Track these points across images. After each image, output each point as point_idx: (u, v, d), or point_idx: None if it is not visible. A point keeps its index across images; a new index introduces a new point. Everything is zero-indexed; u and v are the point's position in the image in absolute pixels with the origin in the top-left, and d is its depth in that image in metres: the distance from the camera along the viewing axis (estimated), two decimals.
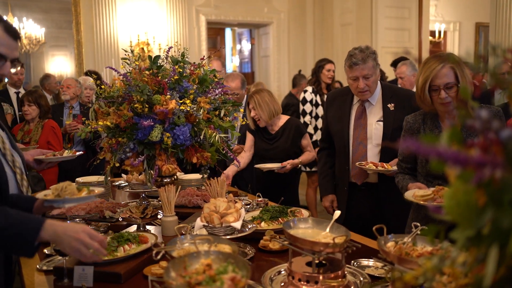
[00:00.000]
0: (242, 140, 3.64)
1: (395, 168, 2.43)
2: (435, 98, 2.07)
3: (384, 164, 2.52)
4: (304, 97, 5.04)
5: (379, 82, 2.69)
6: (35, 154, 2.02)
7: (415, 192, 1.96)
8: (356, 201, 2.74)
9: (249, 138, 3.46)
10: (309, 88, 5.07)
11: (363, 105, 2.66)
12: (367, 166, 2.50)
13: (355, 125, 2.66)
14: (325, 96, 5.03)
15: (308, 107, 4.99)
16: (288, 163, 3.12)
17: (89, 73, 5.49)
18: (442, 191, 1.87)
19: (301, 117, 5.04)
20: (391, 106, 2.60)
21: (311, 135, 4.94)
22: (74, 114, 4.60)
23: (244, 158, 3.41)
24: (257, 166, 3.18)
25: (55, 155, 2.12)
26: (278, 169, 3.12)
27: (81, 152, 2.50)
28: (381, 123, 2.60)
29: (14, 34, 1.47)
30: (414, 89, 4.79)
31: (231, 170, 3.22)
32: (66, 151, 2.23)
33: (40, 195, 1.68)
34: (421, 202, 1.86)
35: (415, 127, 2.24)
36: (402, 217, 2.38)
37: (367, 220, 2.37)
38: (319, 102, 5.02)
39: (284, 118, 3.31)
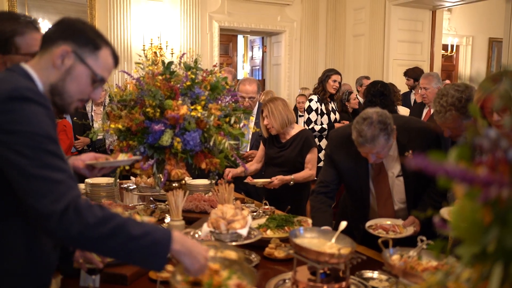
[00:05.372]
0: (256, 146, 3.64)
1: (408, 230, 2.17)
2: (490, 120, 1.89)
3: (396, 225, 2.20)
4: (309, 106, 4.98)
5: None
6: (86, 159, 1.67)
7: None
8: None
9: (261, 148, 3.46)
10: (314, 97, 5.02)
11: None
12: (375, 232, 2.17)
13: (376, 182, 2.38)
14: (330, 105, 5.05)
15: (313, 116, 4.94)
16: (276, 179, 3.03)
17: None
18: None
19: (306, 126, 4.95)
20: (409, 154, 2.27)
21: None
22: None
23: (253, 165, 3.42)
24: (246, 181, 3.05)
25: (108, 159, 1.69)
26: (266, 185, 3.06)
27: (138, 157, 2.02)
28: (401, 178, 2.33)
29: (117, 60, 1.42)
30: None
31: (234, 170, 3.13)
32: (121, 154, 1.80)
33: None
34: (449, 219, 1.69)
35: None
36: None
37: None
38: (324, 111, 5.00)
39: (297, 129, 3.28)
